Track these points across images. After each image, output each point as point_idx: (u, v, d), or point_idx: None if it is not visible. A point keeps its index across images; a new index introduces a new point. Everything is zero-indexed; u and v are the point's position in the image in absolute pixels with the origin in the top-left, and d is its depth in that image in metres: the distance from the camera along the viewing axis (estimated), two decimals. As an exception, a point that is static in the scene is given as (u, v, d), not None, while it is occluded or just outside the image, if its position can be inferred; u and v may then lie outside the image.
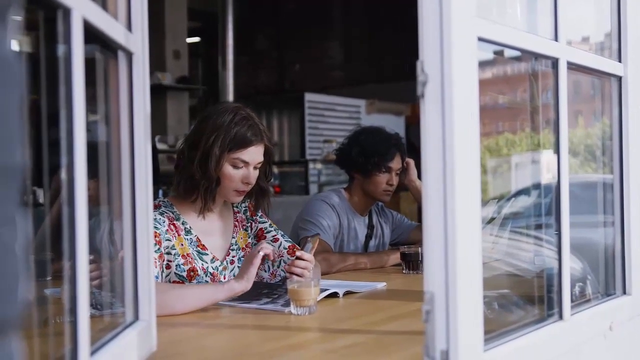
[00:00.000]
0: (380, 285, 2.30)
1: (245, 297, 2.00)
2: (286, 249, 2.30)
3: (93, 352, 1.07)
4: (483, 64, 1.24)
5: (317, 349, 1.55)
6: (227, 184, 2.16)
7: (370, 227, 3.09)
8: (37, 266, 1.83)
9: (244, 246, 2.32)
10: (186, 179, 2.16)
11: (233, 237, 2.30)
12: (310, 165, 7.34)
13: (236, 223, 2.33)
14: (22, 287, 0.57)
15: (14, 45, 0.60)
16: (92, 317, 1.05)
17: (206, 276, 2.17)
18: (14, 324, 0.55)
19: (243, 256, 2.29)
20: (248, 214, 2.37)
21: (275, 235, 2.34)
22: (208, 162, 2.11)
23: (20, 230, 0.57)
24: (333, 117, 8.04)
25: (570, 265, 1.53)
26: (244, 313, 1.92)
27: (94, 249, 1.14)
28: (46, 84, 1.08)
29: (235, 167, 2.14)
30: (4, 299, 0.54)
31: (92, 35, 1.09)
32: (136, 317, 1.35)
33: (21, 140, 0.57)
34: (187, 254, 2.14)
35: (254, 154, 2.16)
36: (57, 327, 1.34)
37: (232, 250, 2.29)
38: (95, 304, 1.36)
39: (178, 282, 2.12)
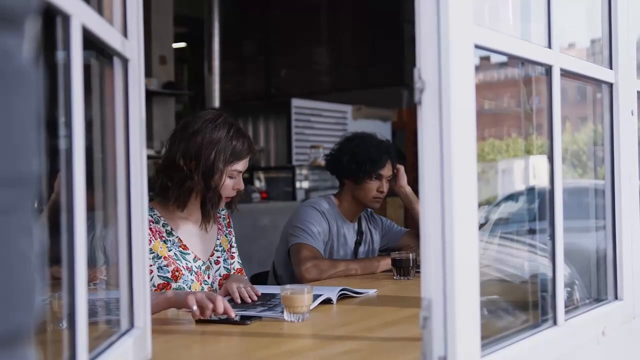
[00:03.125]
0: (372, 292, 2.31)
1: (240, 306, 2.00)
2: (234, 270, 2.40)
3: (90, 361, 1.06)
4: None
5: (313, 356, 1.54)
6: (222, 194, 2.25)
7: (360, 233, 3.09)
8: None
9: (227, 249, 2.41)
10: (185, 192, 2.21)
11: (218, 239, 2.38)
12: (297, 171, 7.32)
13: (219, 227, 2.41)
14: (37, 296, 0.57)
15: (30, 54, 0.59)
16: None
17: (191, 274, 2.23)
18: (30, 332, 0.55)
19: (226, 258, 2.38)
20: (225, 222, 2.46)
21: (234, 253, 2.46)
22: (213, 176, 2.19)
23: (36, 239, 0.57)
24: (320, 122, 8.03)
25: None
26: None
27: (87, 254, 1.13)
28: (43, 89, 1.07)
29: (231, 177, 2.25)
30: (21, 308, 0.54)
31: (88, 41, 1.09)
32: (131, 325, 1.34)
33: (37, 149, 0.57)
34: (169, 256, 2.19)
35: (246, 163, 2.29)
36: (50, 335, 1.33)
37: (217, 250, 2.36)
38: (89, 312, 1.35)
39: (163, 284, 2.15)
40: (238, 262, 2.46)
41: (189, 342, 1.70)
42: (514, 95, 1.91)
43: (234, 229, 2.50)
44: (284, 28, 10.07)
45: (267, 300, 2.09)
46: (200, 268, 2.26)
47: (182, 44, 10.33)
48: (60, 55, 0.98)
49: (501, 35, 1.35)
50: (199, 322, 1.84)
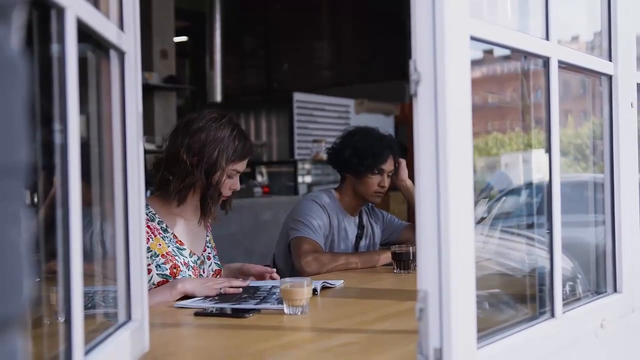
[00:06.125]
0: (339, 283, 2.32)
1: (234, 300, 2.00)
2: (213, 271, 2.39)
3: (87, 352, 1.06)
4: (472, 63, 1.24)
5: (311, 348, 1.55)
6: (221, 191, 2.27)
7: (361, 227, 3.09)
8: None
9: (213, 247, 2.45)
10: (187, 187, 2.23)
11: (207, 235, 2.42)
12: (299, 166, 7.32)
13: (208, 224, 2.44)
14: (26, 285, 0.58)
15: (18, 45, 0.60)
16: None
17: (188, 270, 2.25)
18: (18, 321, 0.56)
19: (215, 255, 2.42)
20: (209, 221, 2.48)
21: (214, 253, 2.45)
22: (214, 173, 2.22)
23: (25, 228, 0.57)
24: (322, 117, 8.03)
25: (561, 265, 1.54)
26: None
27: (84, 249, 1.13)
28: (38, 83, 1.07)
29: (229, 177, 2.27)
30: (9, 297, 0.55)
31: (84, 34, 1.09)
32: (129, 317, 1.34)
33: (25, 139, 0.58)
34: (167, 252, 2.21)
35: (245, 164, 2.33)
36: (46, 328, 1.33)
37: (208, 247, 2.40)
38: (86, 304, 1.36)
39: (162, 282, 2.16)
40: (216, 263, 2.45)
41: (187, 334, 1.71)
42: (515, 89, 1.91)
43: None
44: (285, 22, 10.07)
45: (254, 293, 2.09)
46: (196, 263, 2.30)
47: (184, 38, 10.32)
48: (54, 48, 0.98)
49: (497, 27, 1.34)
50: (197, 315, 1.85)
